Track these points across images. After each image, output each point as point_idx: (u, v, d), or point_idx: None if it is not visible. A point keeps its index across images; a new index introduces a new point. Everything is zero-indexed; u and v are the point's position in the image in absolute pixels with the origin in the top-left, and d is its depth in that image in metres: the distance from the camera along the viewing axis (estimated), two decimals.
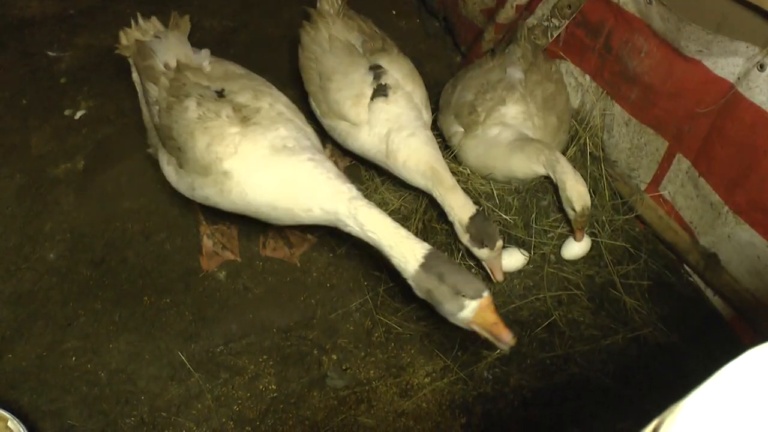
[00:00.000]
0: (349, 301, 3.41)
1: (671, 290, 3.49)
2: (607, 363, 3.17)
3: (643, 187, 3.73)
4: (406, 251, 2.39)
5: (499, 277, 3.12)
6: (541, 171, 3.25)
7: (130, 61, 3.17)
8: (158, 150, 3.01)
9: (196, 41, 4.90)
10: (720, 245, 3.32)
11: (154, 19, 3.20)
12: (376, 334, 3.29)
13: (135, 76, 3.17)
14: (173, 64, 2.88)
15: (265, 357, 3.21)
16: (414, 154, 3.13)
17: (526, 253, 3.40)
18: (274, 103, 2.84)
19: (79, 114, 4.27)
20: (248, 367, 3.17)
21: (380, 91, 3.25)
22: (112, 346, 3.20)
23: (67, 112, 4.29)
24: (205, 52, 3.05)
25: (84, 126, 4.19)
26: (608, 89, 3.81)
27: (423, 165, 3.11)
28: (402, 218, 3.68)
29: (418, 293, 2.45)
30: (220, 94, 2.80)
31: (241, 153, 2.63)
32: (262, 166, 2.62)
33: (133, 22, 3.18)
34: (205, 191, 2.75)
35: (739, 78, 2.96)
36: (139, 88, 3.14)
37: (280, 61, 4.76)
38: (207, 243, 3.45)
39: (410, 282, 2.45)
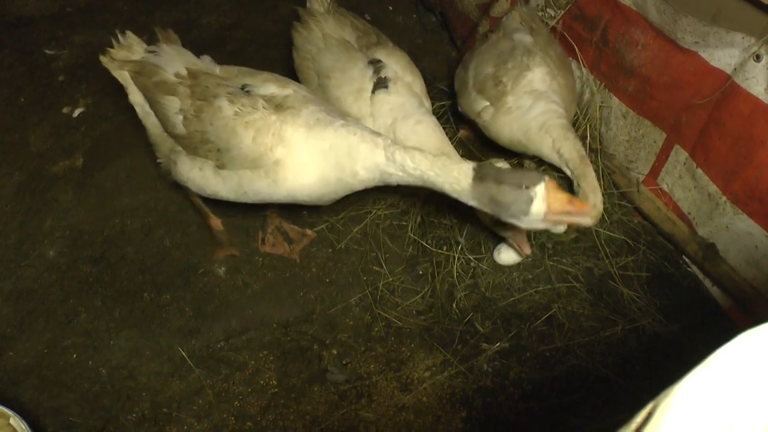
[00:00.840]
0: (349, 296, 3.42)
1: (670, 281, 3.50)
2: (606, 355, 3.18)
3: (641, 178, 3.74)
4: (455, 172, 2.32)
5: (527, 250, 3.06)
6: (567, 172, 3.20)
7: (124, 80, 3.05)
8: (177, 159, 2.95)
9: (193, 38, 4.96)
10: (718, 236, 3.32)
11: (129, 33, 3.11)
12: (376, 329, 3.30)
13: (134, 97, 3.05)
14: (184, 72, 2.84)
15: (265, 352, 3.21)
16: (423, 141, 3.11)
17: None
18: (299, 89, 2.84)
19: (77, 112, 4.26)
20: (249, 363, 3.17)
21: (381, 84, 3.25)
22: (112, 342, 3.20)
23: (65, 110, 4.28)
24: (207, 58, 3.01)
25: (82, 123, 4.19)
26: (606, 82, 3.81)
27: (432, 150, 3.10)
28: (401, 213, 3.70)
29: (483, 207, 2.35)
30: (245, 90, 2.80)
31: (285, 139, 2.62)
32: (304, 145, 2.62)
33: (114, 42, 3.08)
34: (256, 185, 2.72)
35: (735, 69, 2.96)
36: (141, 110, 3.06)
37: (277, 58, 4.76)
38: (220, 233, 3.56)
39: (471, 201, 2.36)
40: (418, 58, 4.71)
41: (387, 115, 3.21)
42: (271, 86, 2.81)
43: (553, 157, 3.24)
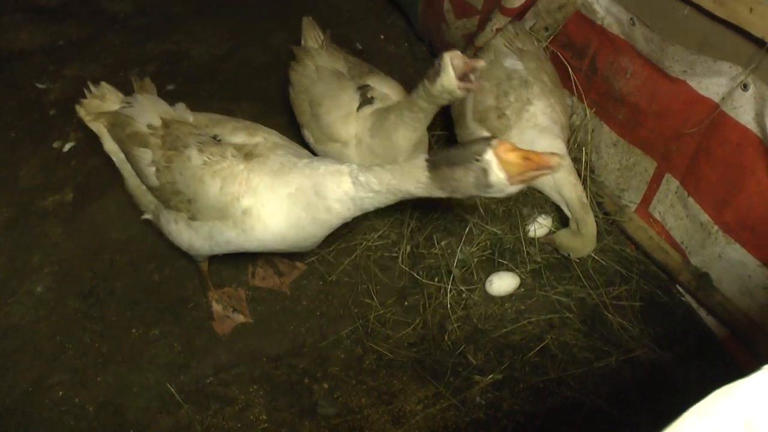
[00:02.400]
0: (340, 329, 3.38)
1: (664, 311, 3.47)
2: (600, 386, 3.14)
3: (633, 207, 3.73)
4: (412, 170, 2.28)
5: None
6: (566, 212, 3.27)
7: (99, 131, 3.04)
8: (160, 212, 2.94)
9: (185, 70, 4.98)
10: (711, 265, 3.30)
11: (103, 84, 3.09)
12: (367, 361, 3.25)
13: (109, 146, 3.04)
14: (157, 123, 2.82)
15: (255, 387, 3.17)
16: (399, 140, 3.10)
17: (518, 277, 3.39)
18: (269, 136, 2.84)
19: (67, 146, 4.26)
20: (238, 397, 3.13)
21: (366, 101, 3.27)
22: (99, 378, 3.15)
23: (55, 144, 4.27)
24: (181, 105, 3.00)
25: (73, 158, 4.18)
26: (596, 110, 3.82)
27: (410, 143, 3.11)
28: (391, 243, 3.68)
29: (453, 195, 2.30)
30: (216, 139, 2.79)
31: (252, 188, 2.61)
32: (270, 192, 2.61)
33: (87, 92, 3.07)
34: (226, 235, 2.71)
35: (723, 98, 2.96)
36: (117, 158, 3.05)
37: (269, 88, 4.78)
38: (217, 308, 3.40)
39: (440, 193, 2.30)
40: (410, 86, 4.72)
41: (368, 129, 3.21)
42: (240, 134, 2.81)
43: (554, 196, 3.30)
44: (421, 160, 2.26)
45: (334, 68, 3.55)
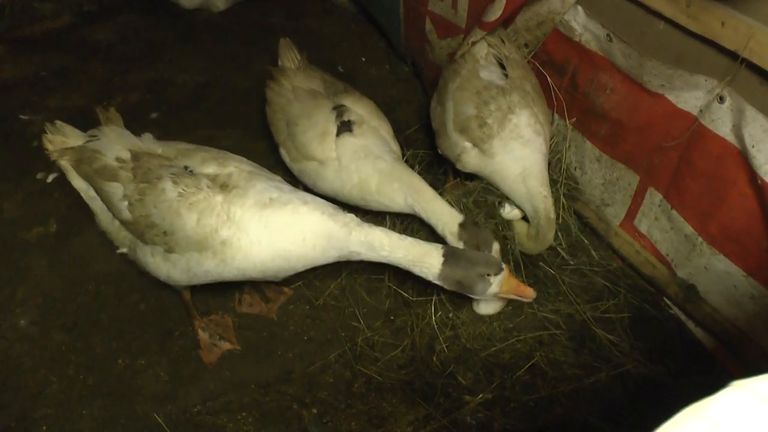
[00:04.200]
0: (328, 353, 3.36)
1: (653, 324, 3.47)
2: (592, 402, 3.13)
3: (618, 221, 3.73)
4: (426, 258, 2.68)
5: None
6: (531, 219, 3.35)
7: (64, 167, 2.99)
8: (136, 246, 2.92)
9: (168, 98, 4.99)
10: (698, 276, 3.31)
11: (59, 123, 3.02)
12: (356, 385, 3.23)
13: (77, 183, 3.00)
14: (126, 156, 2.80)
15: (243, 414, 3.13)
16: (386, 176, 3.15)
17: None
18: (239, 164, 2.84)
19: (51, 177, 4.23)
20: (227, 426, 3.09)
21: (345, 127, 3.29)
22: (85, 412, 3.10)
23: (39, 176, 4.25)
24: (148, 136, 2.97)
25: (56, 189, 4.15)
26: (578, 126, 3.84)
27: (397, 182, 3.13)
28: (376, 264, 3.64)
29: (445, 285, 2.76)
30: (188, 170, 2.78)
31: (233, 218, 2.62)
32: (259, 223, 2.62)
33: (47, 128, 3.01)
34: (205, 266, 2.71)
35: (701, 111, 2.98)
36: (85, 194, 3.01)
37: (252, 114, 4.78)
38: (204, 336, 3.37)
39: (436, 281, 2.74)
40: (392, 107, 4.77)
41: (351, 157, 3.23)
42: (211, 165, 2.80)
43: (524, 204, 3.35)
44: (439, 254, 2.67)
45: (311, 88, 3.58)
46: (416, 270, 2.73)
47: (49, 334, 3.39)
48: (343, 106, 3.40)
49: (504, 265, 2.71)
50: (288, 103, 3.51)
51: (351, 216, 2.71)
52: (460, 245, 2.99)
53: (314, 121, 3.35)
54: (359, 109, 3.43)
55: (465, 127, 3.46)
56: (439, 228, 3.08)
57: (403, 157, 4.03)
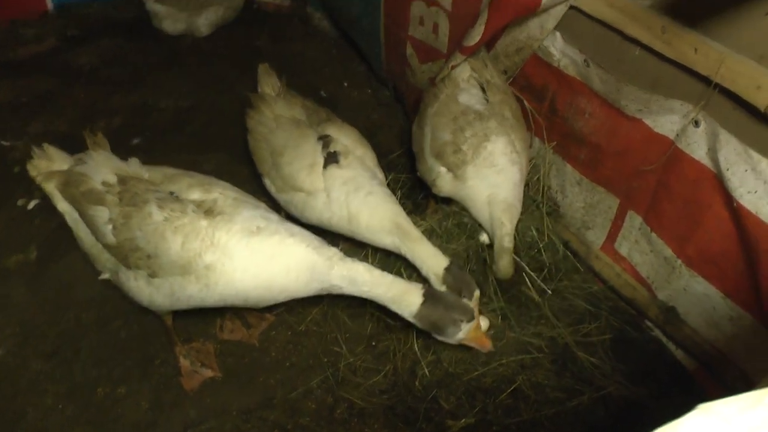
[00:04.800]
0: (310, 379, 3.34)
1: (634, 346, 3.49)
2: (574, 424, 3.13)
3: (599, 244, 3.76)
4: (406, 297, 2.78)
5: (488, 345, 3.01)
6: (493, 243, 3.36)
7: (49, 191, 3.00)
8: (119, 271, 2.91)
9: (153, 122, 4.99)
10: (677, 299, 3.34)
11: (46, 146, 3.05)
12: (339, 411, 3.21)
13: (62, 206, 3.01)
14: (112, 180, 2.82)
15: None
16: (376, 212, 3.15)
17: (487, 319, 3.38)
18: (224, 190, 2.85)
19: (32, 204, 4.20)
20: None
21: (331, 159, 3.29)
22: None
23: (20, 202, 4.21)
24: (134, 161, 2.99)
25: (37, 216, 4.12)
26: (558, 150, 3.87)
27: (387, 222, 3.13)
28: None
29: (417, 324, 2.86)
30: (173, 196, 2.79)
31: (218, 244, 2.63)
32: (245, 250, 2.64)
33: (33, 152, 3.04)
34: (188, 291, 2.70)
35: (678, 135, 3.02)
36: (70, 217, 3.02)
37: (235, 139, 4.77)
38: (185, 363, 3.35)
39: (410, 319, 2.85)
40: (373, 132, 4.79)
41: (340, 189, 3.22)
42: (196, 191, 2.82)
43: (487, 228, 3.43)
44: (419, 294, 2.77)
45: (293, 116, 3.57)
46: (394, 307, 2.83)
47: (27, 363, 3.33)
48: (328, 136, 3.39)
49: (476, 314, 2.85)
50: (271, 132, 3.50)
51: (335, 250, 2.77)
52: (443, 288, 3.03)
53: (301, 152, 3.34)
54: (344, 138, 3.43)
55: (441, 152, 3.49)
56: (424, 270, 3.10)
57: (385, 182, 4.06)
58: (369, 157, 3.48)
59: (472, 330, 2.84)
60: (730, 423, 0.76)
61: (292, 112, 3.60)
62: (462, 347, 3.31)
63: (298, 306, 3.63)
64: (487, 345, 2.94)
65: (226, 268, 2.64)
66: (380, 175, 3.45)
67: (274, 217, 2.84)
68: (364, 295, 2.81)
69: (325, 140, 3.37)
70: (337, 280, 2.74)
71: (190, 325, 3.54)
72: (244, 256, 2.64)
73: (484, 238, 3.58)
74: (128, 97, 5.32)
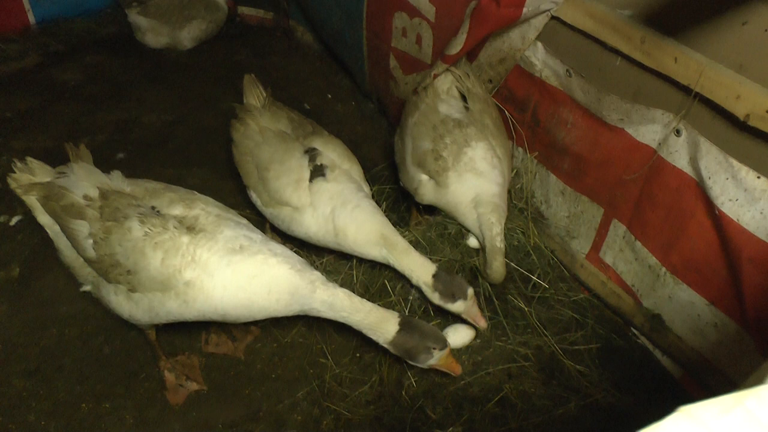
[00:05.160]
0: (296, 391, 3.32)
1: (620, 354, 3.50)
2: None
3: (584, 253, 3.77)
4: (383, 324, 2.82)
5: (483, 324, 3.21)
6: (482, 245, 3.35)
7: (30, 204, 2.97)
8: (100, 284, 2.89)
9: (136, 138, 4.97)
10: (663, 306, 3.35)
11: (29, 159, 3.00)
12: (325, 422, 3.20)
13: (43, 219, 2.98)
14: (94, 194, 2.79)
15: None
16: (363, 226, 3.15)
17: (473, 328, 3.39)
18: (206, 206, 2.84)
19: (14, 220, 4.16)
20: None
21: (318, 172, 3.28)
22: None
23: (2, 219, 4.17)
24: (117, 174, 2.97)
25: (19, 232, 4.08)
26: (542, 160, 3.89)
27: (374, 234, 3.13)
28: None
29: (391, 349, 2.90)
30: (155, 211, 2.77)
31: (198, 261, 2.62)
32: (226, 268, 2.63)
33: (15, 167, 2.99)
34: (167, 306, 2.69)
35: (660, 144, 3.05)
36: (51, 231, 3.00)
37: (219, 153, 4.77)
38: (170, 377, 3.32)
39: (384, 344, 2.89)
40: (357, 144, 4.80)
41: (326, 203, 3.22)
42: (178, 206, 2.81)
43: (474, 231, 3.41)
44: (395, 323, 2.82)
45: (278, 129, 3.55)
46: (370, 333, 2.87)
47: (9, 380, 3.28)
48: (315, 149, 3.39)
49: (449, 342, 2.91)
50: (257, 146, 3.48)
51: (317, 274, 2.79)
52: (436, 295, 3.07)
53: (287, 166, 3.33)
54: (330, 152, 3.42)
55: (422, 160, 3.51)
56: (414, 280, 3.12)
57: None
58: (355, 170, 3.48)
59: (443, 357, 2.90)
60: (709, 425, 0.77)
61: (278, 125, 3.58)
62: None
63: (284, 318, 3.59)
64: (457, 370, 2.99)
65: (205, 285, 2.63)
66: (366, 188, 3.45)
67: (257, 236, 2.83)
68: (342, 320, 2.84)
69: (311, 153, 3.36)
70: (317, 304, 2.76)
71: (174, 339, 3.51)
72: (225, 275, 2.63)
73: (472, 242, 3.59)
74: (112, 113, 5.30)
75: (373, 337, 2.88)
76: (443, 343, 2.86)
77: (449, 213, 3.56)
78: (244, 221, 2.95)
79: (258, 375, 3.41)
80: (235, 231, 2.76)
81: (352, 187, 3.29)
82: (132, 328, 3.48)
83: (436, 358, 2.87)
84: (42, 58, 5.93)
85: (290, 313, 2.79)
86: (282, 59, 6.17)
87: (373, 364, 3.40)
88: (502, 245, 3.24)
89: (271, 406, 3.27)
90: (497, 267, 3.24)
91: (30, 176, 2.97)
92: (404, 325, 2.82)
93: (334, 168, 3.33)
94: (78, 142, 4.61)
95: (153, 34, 6.08)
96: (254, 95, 3.73)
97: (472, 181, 3.36)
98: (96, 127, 5.11)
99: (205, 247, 2.64)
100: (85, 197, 2.78)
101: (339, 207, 3.20)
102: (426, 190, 3.53)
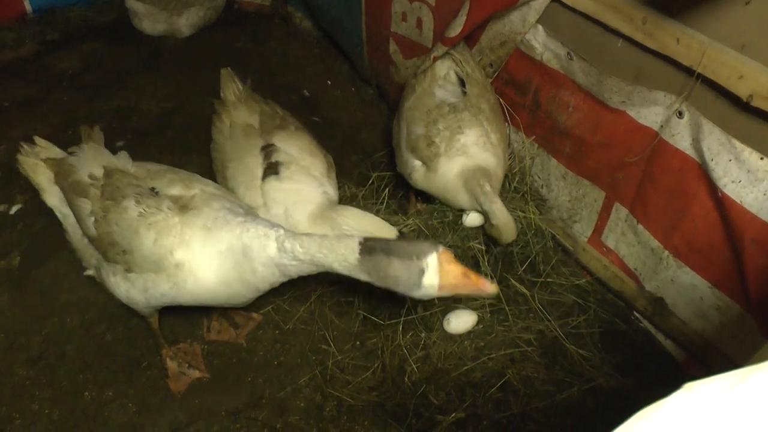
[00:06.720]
0: (298, 377, 3.32)
1: (623, 338, 3.49)
2: (565, 417, 3.13)
3: (586, 237, 3.76)
4: (342, 249, 2.24)
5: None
6: (479, 208, 3.27)
7: (39, 184, 3.03)
8: (101, 266, 2.90)
9: (134, 126, 4.95)
10: (665, 289, 3.34)
11: (37, 138, 3.06)
12: (328, 408, 3.20)
13: (50, 200, 3.03)
14: (99, 173, 2.81)
15: None
16: (315, 223, 3.09)
17: (475, 314, 3.39)
18: (205, 186, 2.82)
19: (14, 209, 4.15)
20: None
21: (271, 170, 3.20)
22: None
23: (1, 208, 4.16)
24: (124, 154, 2.98)
25: (19, 221, 4.07)
26: (543, 144, 3.87)
27: (327, 230, 3.05)
28: (346, 288, 3.63)
29: (375, 282, 2.25)
30: (154, 191, 2.76)
31: (185, 241, 2.58)
32: (202, 247, 2.58)
33: (26, 147, 3.04)
34: (160, 288, 2.67)
35: (662, 126, 3.03)
36: (59, 212, 3.03)
37: None
38: (172, 365, 3.31)
39: (363, 276, 2.25)
40: (357, 130, 4.77)
41: (279, 203, 3.15)
42: (176, 186, 2.78)
43: (470, 205, 3.35)
44: (354, 241, 2.22)
45: (246, 123, 3.45)
46: (336, 266, 2.28)
47: (12, 369, 3.29)
48: (272, 145, 3.29)
49: (441, 246, 2.16)
50: (224, 141, 3.42)
51: (281, 229, 2.47)
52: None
53: (244, 164, 3.27)
54: (290, 147, 3.31)
55: (415, 146, 3.48)
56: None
57: (368, 180, 4.04)
58: (318, 166, 3.34)
59: (444, 270, 2.13)
60: (714, 401, 0.76)
61: (249, 120, 3.48)
62: (451, 340, 3.32)
63: (285, 305, 3.61)
64: (486, 287, 2.17)
65: (193, 266, 2.59)
66: (330, 186, 3.32)
67: (239, 210, 2.71)
68: (306, 265, 2.39)
69: (266, 150, 3.27)
70: (278, 258, 2.39)
71: (176, 327, 3.51)
72: (204, 253, 2.57)
73: (467, 219, 3.56)
74: (109, 101, 5.27)
75: (344, 271, 2.29)
76: (429, 246, 2.14)
77: (441, 198, 3.54)
78: (238, 200, 2.89)
79: (260, 362, 3.41)
80: (220, 205, 2.67)
81: (310, 185, 3.21)
82: (133, 316, 3.48)
83: (433, 271, 2.11)
84: (39, 47, 5.89)
85: (271, 281, 2.55)
86: (280, 45, 6.12)
87: (375, 351, 3.40)
88: (500, 204, 3.14)
89: (274, 392, 3.27)
90: (499, 212, 3.11)
91: (38, 155, 3.01)
92: (367, 242, 2.22)
93: (291, 164, 3.22)
94: (76, 130, 4.63)
95: (150, 20, 6.03)
96: (231, 89, 3.65)
97: (460, 160, 3.32)
98: (94, 116, 5.08)
99: (189, 225, 2.59)
100: (91, 176, 2.80)
101: (291, 206, 3.12)
102: (418, 175, 3.50)
